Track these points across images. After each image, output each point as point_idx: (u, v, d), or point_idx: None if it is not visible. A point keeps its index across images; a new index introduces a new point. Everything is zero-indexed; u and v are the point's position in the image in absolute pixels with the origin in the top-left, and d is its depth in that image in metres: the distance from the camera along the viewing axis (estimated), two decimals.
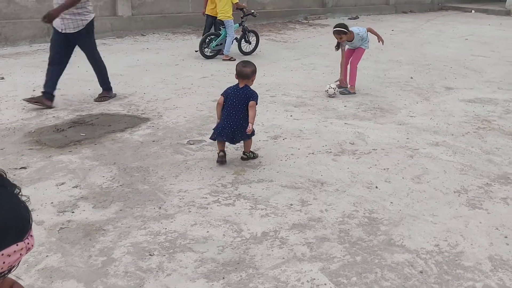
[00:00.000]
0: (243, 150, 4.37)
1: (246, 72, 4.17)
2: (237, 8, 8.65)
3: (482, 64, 9.05)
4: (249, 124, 4.12)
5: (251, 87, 4.24)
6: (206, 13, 8.98)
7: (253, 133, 4.26)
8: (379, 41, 6.94)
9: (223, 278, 2.72)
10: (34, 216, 3.26)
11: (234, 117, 4.12)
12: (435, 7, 20.11)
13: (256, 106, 4.18)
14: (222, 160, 4.21)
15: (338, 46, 6.61)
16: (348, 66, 6.71)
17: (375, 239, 3.14)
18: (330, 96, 6.27)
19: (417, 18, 16.38)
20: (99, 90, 6.34)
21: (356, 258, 2.93)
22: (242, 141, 4.30)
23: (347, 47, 6.63)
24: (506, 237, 3.22)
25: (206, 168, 4.11)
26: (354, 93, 6.60)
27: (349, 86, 6.66)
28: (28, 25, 9.37)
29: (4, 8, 9.29)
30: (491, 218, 3.47)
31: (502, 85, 7.49)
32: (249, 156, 4.36)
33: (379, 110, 5.96)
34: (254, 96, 4.17)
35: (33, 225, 3.19)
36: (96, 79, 6.14)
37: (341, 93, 6.53)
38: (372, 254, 2.98)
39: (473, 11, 19.39)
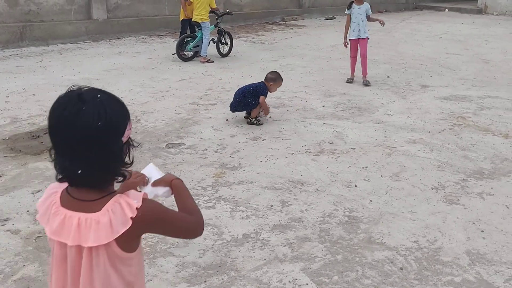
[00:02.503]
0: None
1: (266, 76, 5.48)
2: (212, 11, 8.62)
3: (456, 62, 9.21)
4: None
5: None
6: (184, 18, 8.95)
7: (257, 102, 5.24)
8: (380, 22, 7.35)
9: (205, 281, 2.71)
10: (10, 225, 3.20)
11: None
12: (410, 6, 20.41)
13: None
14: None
15: (350, 5, 7.15)
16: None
17: (356, 238, 3.17)
18: None
19: (393, 18, 16.60)
20: None
21: (337, 257, 2.95)
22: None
23: (352, 31, 7.13)
24: (482, 231, 3.28)
25: (185, 172, 4.09)
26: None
27: (363, 77, 7.29)
28: (0, 30, 9.18)
29: None
30: (467, 213, 3.53)
31: (475, 82, 7.64)
32: (252, 121, 5.27)
33: (357, 109, 6.02)
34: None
35: (9, 235, 3.09)
36: (73, 84, 6.04)
37: (366, 84, 7.19)
38: (352, 253, 3.00)
39: (446, 10, 19.75)
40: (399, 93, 6.90)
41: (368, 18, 7.22)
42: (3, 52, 8.99)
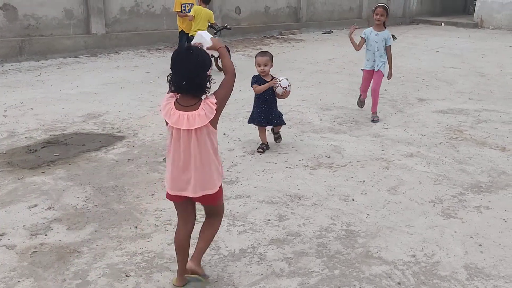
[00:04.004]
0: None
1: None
2: (210, 25, 8.68)
3: (453, 76, 9.27)
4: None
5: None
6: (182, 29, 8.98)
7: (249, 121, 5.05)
8: (388, 76, 6.21)
9: None
10: (5, 240, 3.18)
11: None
12: (406, 20, 20.62)
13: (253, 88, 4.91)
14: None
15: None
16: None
17: (353, 252, 3.16)
18: None
19: (390, 31, 16.73)
20: (74, 109, 6.27)
21: (335, 272, 2.93)
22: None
23: (365, 49, 6.15)
24: (480, 245, 3.27)
25: None
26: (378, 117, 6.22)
27: (372, 113, 6.23)
28: None
29: None
30: (465, 227, 3.52)
31: (472, 96, 7.68)
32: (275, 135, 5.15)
33: (354, 123, 6.03)
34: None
35: (4, 250, 3.06)
36: (71, 98, 6.05)
37: (374, 121, 6.12)
38: (350, 267, 2.99)
39: (443, 24, 19.96)
40: (396, 106, 6.93)
41: (386, 50, 6.13)
42: (2, 66, 9.01)
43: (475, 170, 4.60)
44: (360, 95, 6.46)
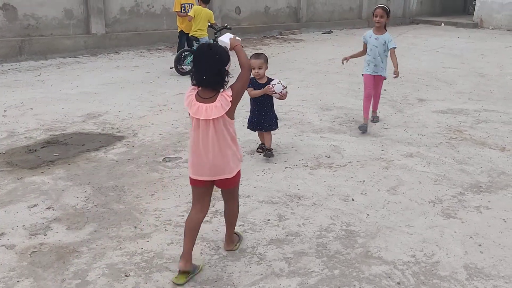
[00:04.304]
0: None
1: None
2: (210, 26, 8.67)
3: (453, 76, 9.27)
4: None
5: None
6: (184, 30, 8.97)
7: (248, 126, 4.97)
8: (394, 73, 5.71)
9: None
10: (5, 240, 3.18)
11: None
12: (406, 20, 20.63)
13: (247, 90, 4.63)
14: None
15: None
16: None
17: (353, 252, 3.15)
18: None
19: (389, 32, 16.71)
20: (74, 109, 6.26)
21: (334, 272, 2.93)
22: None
23: (368, 56, 5.80)
24: (480, 245, 3.27)
25: (182, 186, 4.08)
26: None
27: (372, 113, 6.11)
28: None
29: None
30: (465, 227, 3.52)
31: (472, 96, 7.68)
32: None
33: (354, 123, 6.03)
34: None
35: (3, 250, 3.06)
36: (71, 98, 6.04)
37: (374, 121, 6.08)
38: (350, 267, 2.99)
39: (443, 24, 19.97)
40: (396, 106, 6.93)
41: (390, 53, 5.72)
42: (1, 66, 9.01)
43: (475, 170, 4.60)
44: (364, 114, 5.93)
